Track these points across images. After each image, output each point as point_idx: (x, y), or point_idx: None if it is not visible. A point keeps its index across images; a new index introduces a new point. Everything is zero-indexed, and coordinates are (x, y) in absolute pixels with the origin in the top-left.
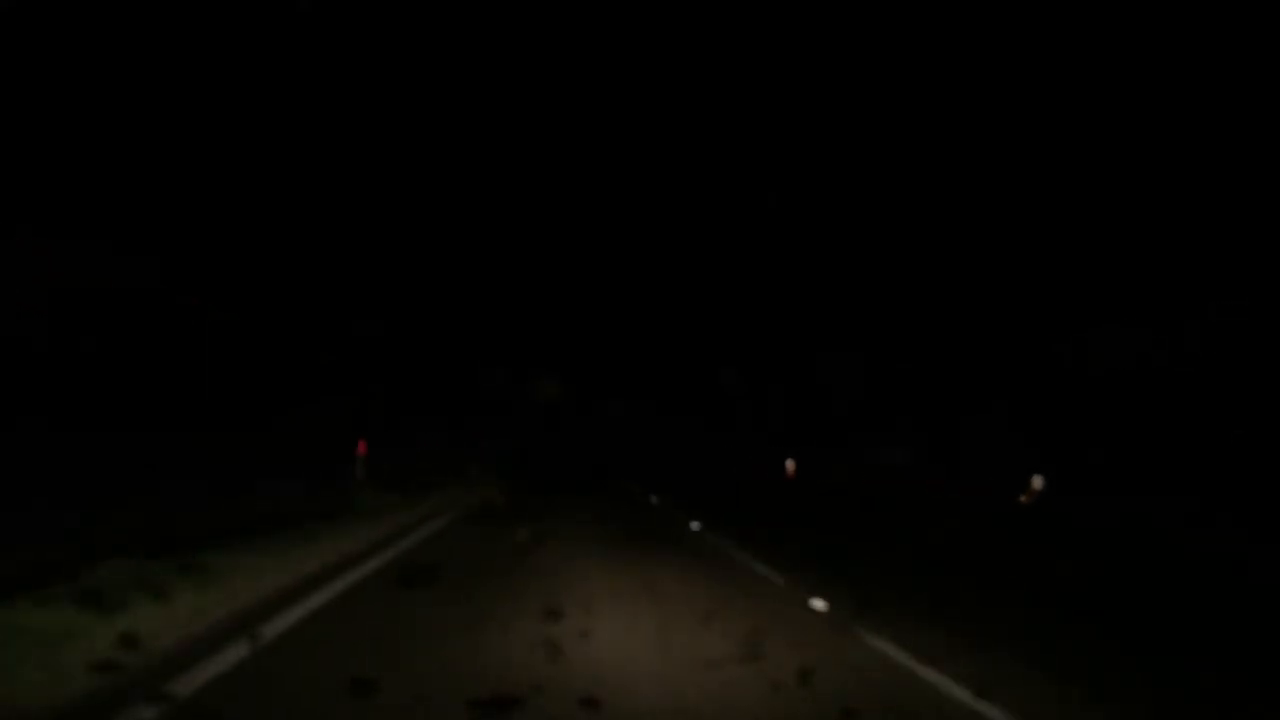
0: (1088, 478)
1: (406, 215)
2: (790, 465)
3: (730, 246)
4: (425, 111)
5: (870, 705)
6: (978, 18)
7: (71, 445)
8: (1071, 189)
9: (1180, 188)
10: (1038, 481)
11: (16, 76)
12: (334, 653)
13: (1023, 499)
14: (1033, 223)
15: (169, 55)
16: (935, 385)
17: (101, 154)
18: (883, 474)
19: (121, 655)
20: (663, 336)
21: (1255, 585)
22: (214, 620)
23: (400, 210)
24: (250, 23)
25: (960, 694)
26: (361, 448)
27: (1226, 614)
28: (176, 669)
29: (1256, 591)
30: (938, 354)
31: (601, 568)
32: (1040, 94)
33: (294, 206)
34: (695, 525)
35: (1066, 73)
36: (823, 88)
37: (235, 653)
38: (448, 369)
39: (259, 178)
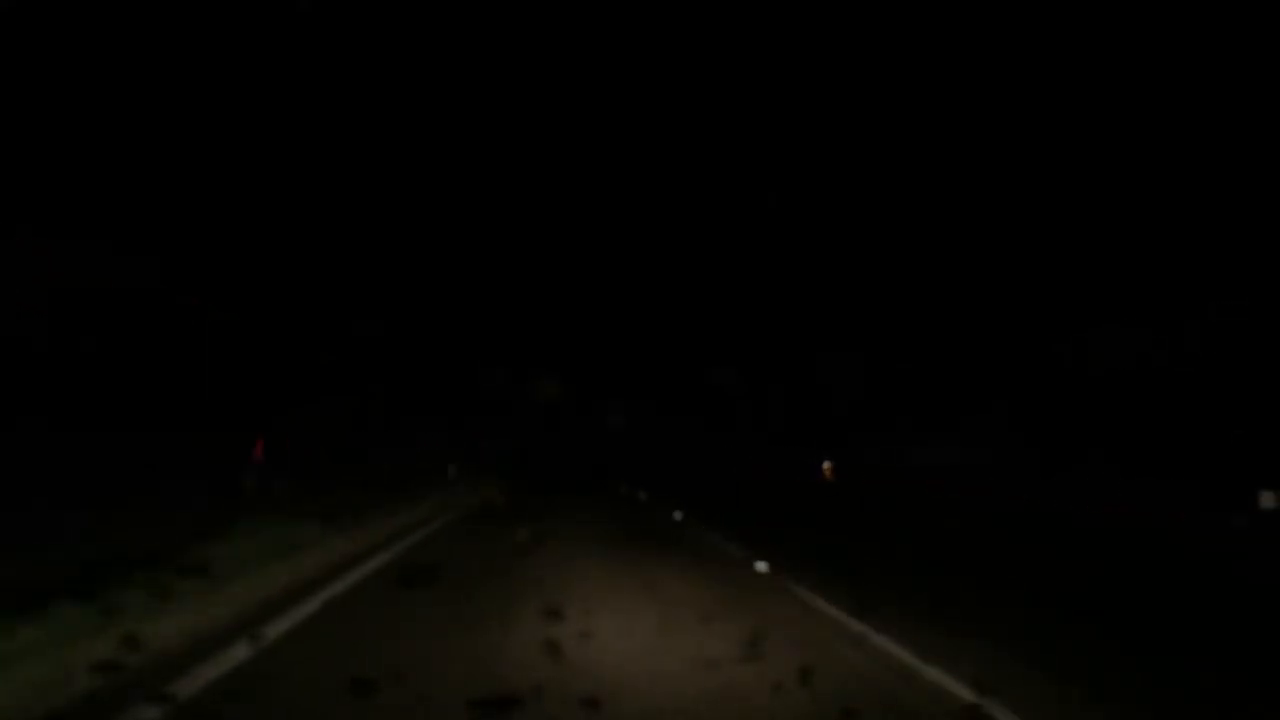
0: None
1: (406, 215)
2: (828, 467)
3: (730, 246)
4: (425, 112)
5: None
6: (978, 18)
7: (71, 445)
8: (1071, 189)
9: (1180, 187)
10: (1268, 499)
11: (16, 77)
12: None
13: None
14: (1032, 223)
15: (169, 55)
16: (935, 385)
17: (101, 154)
18: (936, 476)
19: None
20: (663, 337)
21: (1255, 585)
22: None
23: (400, 210)
24: (250, 23)
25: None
26: (259, 450)
27: (1226, 614)
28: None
29: (1256, 591)
30: (937, 354)
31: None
32: (1040, 94)
33: (294, 207)
34: (761, 566)
35: (1066, 73)
36: (822, 88)
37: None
38: (448, 369)
39: (259, 178)
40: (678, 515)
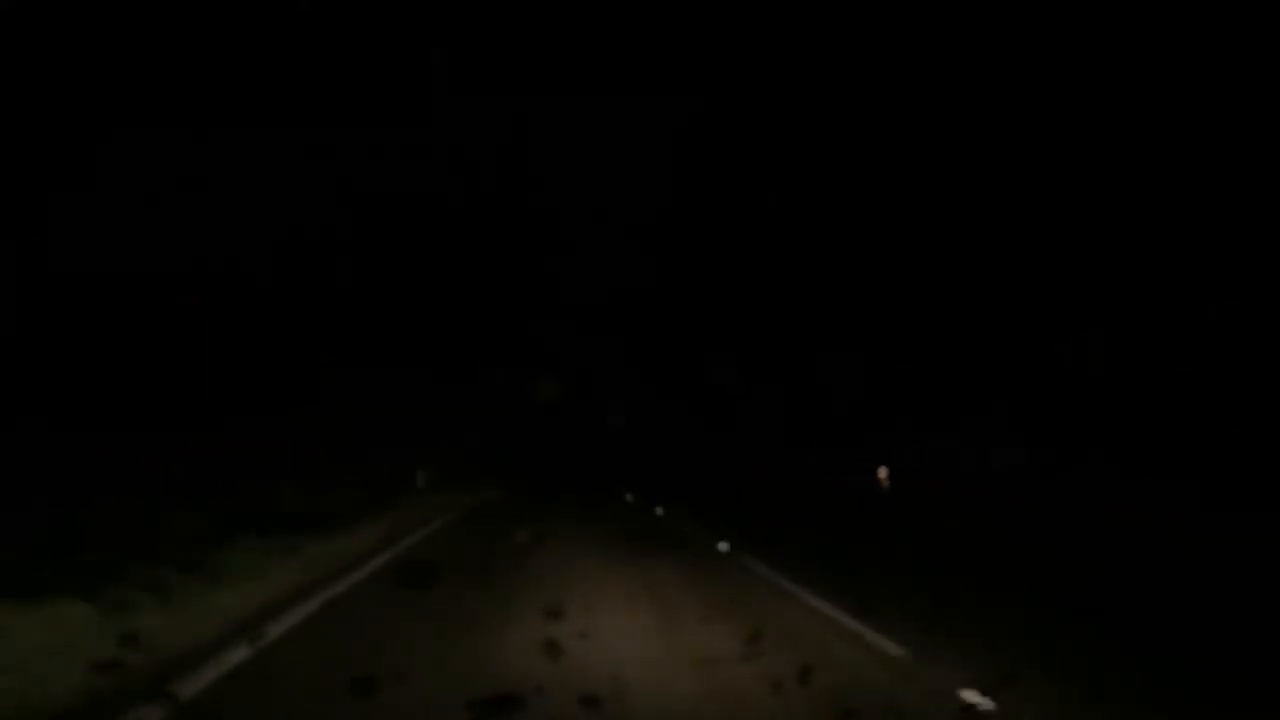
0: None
1: (406, 215)
2: (883, 473)
3: (729, 246)
4: (424, 111)
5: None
6: (977, 18)
7: (71, 445)
8: (1071, 189)
9: (1180, 188)
10: None
11: (17, 76)
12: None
13: None
14: (1032, 223)
15: (170, 55)
16: (935, 385)
17: (100, 153)
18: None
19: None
20: (663, 336)
21: (1256, 585)
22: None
23: (400, 210)
24: (248, 21)
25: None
26: None
27: (1227, 614)
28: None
29: (1256, 591)
30: (938, 354)
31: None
32: (1040, 93)
33: (293, 206)
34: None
35: (1066, 72)
36: (822, 88)
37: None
38: (447, 369)
39: (258, 178)
40: (723, 546)
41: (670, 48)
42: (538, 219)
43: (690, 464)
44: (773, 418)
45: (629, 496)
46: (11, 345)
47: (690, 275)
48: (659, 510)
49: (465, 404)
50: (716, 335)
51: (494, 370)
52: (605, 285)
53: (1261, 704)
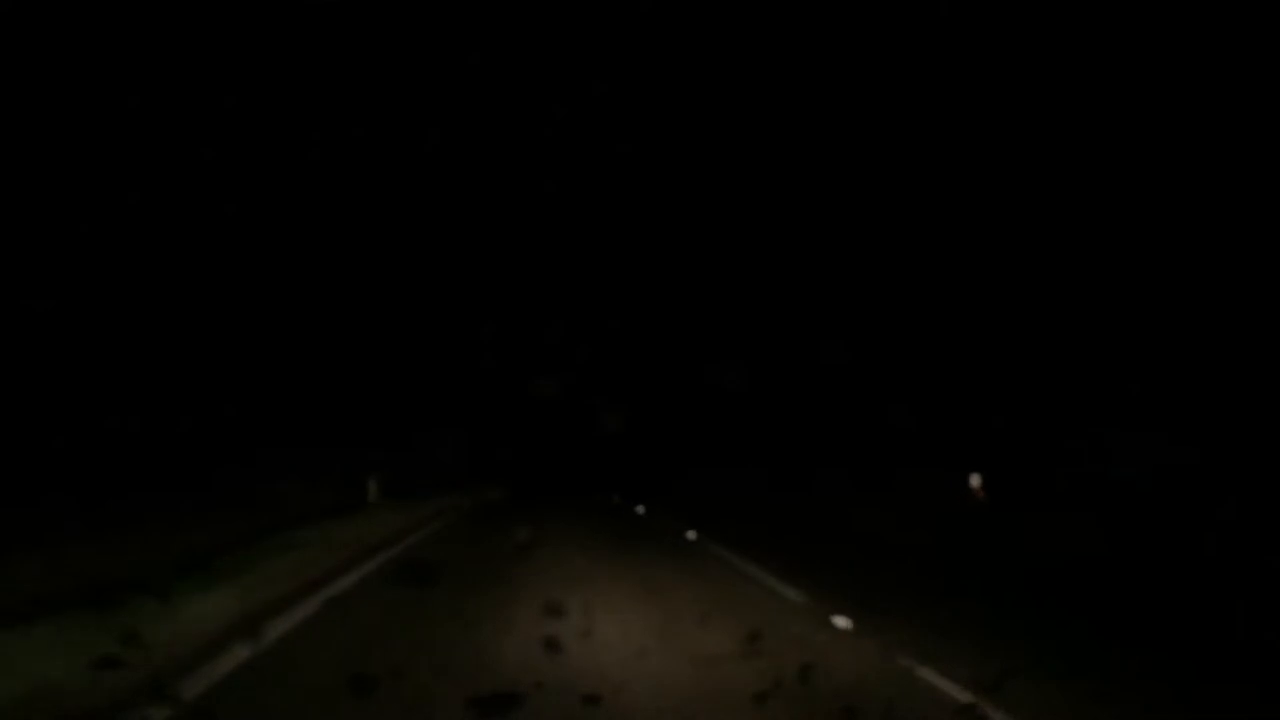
0: None
1: (403, 216)
2: (977, 484)
3: (729, 247)
4: (422, 112)
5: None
6: (976, 18)
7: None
8: (1072, 189)
9: (1178, 191)
10: None
11: (20, 78)
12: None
13: None
14: (1035, 221)
15: (172, 55)
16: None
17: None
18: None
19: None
20: (662, 335)
21: (1257, 585)
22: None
23: (397, 211)
24: (240, 20)
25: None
26: None
27: (1228, 614)
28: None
29: (1257, 592)
30: (941, 353)
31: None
32: (1040, 91)
33: (291, 206)
34: None
35: (1067, 69)
36: (821, 87)
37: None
38: (445, 369)
39: (256, 179)
40: (842, 622)
41: (661, 42)
42: (536, 215)
43: (696, 470)
44: (787, 421)
45: (640, 509)
46: None
47: (687, 274)
48: (690, 535)
49: (463, 406)
50: (717, 333)
51: (494, 371)
52: (603, 285)
53: (1262, 703)
